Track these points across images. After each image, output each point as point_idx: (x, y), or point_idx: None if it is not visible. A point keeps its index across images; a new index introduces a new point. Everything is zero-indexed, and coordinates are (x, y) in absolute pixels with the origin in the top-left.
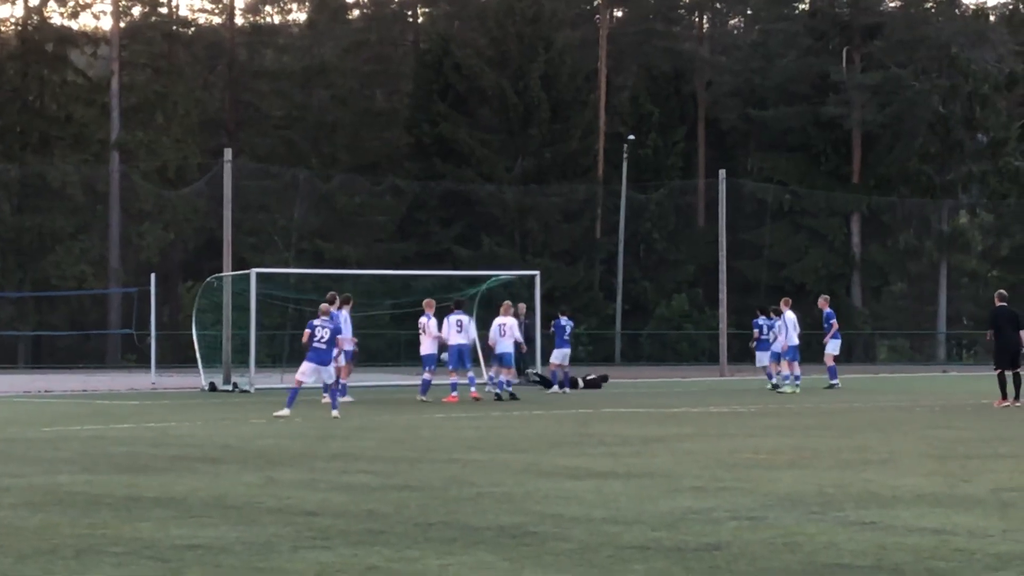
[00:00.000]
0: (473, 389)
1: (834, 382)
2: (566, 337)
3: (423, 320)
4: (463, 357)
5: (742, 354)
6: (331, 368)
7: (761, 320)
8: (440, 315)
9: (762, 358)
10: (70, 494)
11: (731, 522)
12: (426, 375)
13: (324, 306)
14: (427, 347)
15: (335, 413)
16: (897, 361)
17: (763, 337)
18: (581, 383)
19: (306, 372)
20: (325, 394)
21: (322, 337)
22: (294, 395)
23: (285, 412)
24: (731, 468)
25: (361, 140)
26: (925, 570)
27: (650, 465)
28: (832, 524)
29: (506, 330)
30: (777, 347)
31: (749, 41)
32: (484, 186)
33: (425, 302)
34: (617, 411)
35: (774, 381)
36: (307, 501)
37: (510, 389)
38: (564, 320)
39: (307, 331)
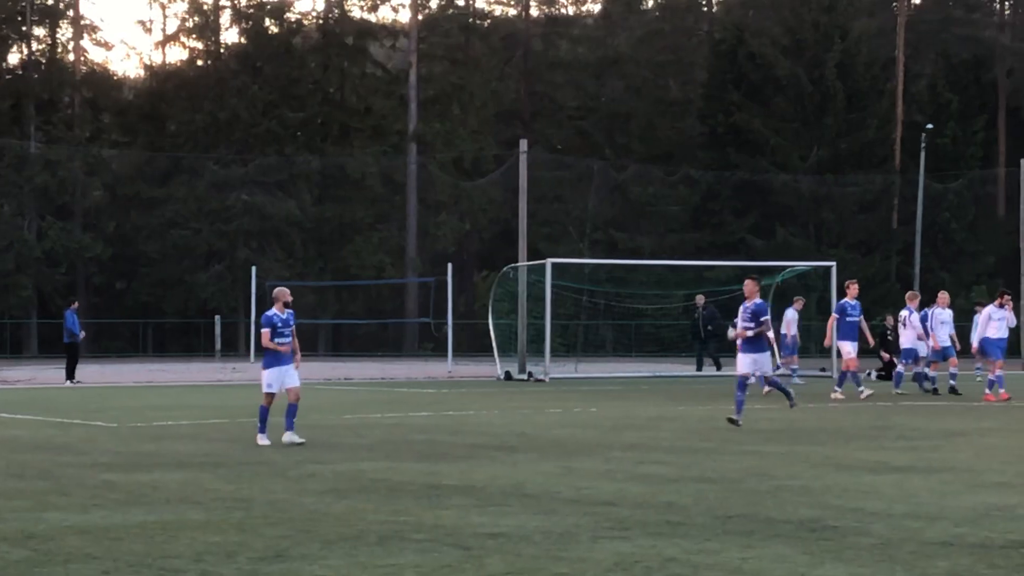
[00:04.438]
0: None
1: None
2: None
3: (904, 313)
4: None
5: None
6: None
7: None
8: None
9: None
10: (373, 481)
11: None
12: (900, 367)
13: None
14: (907, 340)
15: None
16: None
17: None
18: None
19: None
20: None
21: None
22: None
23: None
24: None
25: (655, 130)
26: None
27: (951, 460)
28: None
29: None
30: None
31: None
32: (779, 176)
33: (908, 294)
34: (915, 404)
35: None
36: (604, 491)
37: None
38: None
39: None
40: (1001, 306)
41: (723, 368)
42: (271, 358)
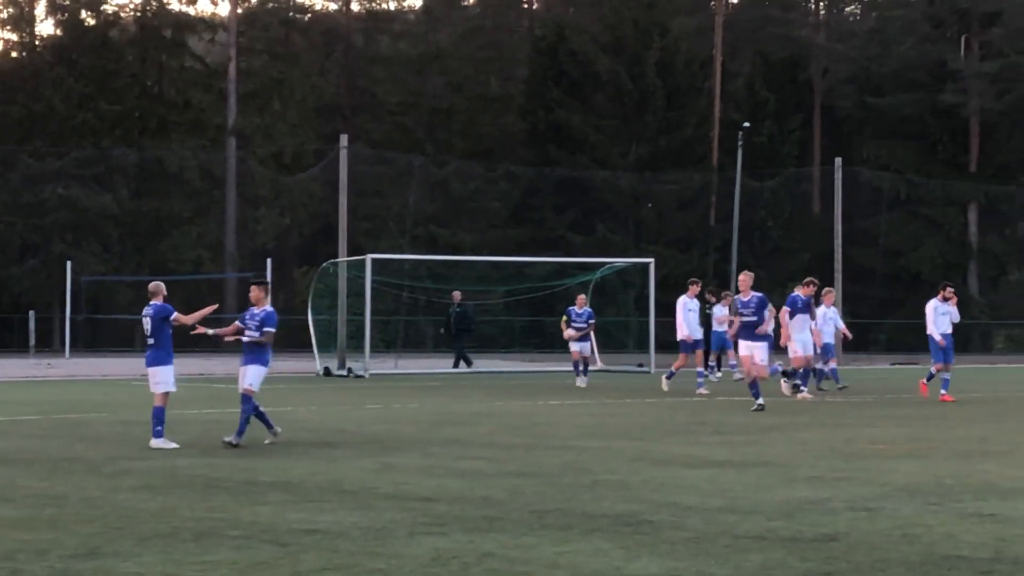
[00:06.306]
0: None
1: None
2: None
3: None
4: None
5: (859, 343)
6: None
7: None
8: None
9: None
10: (189, 477)
11: (848, 512)
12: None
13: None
14: (825, 336)
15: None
16: (1015, 351)
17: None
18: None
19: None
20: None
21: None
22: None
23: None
24: (848, 458)
25: (476, 126)
26: None
27: (766, 454)
28: (950, 515)
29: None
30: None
31: (866, 28)
32: (598, 173)
33: (824, 292)
34: (731, 399)
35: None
36: (423, 487)
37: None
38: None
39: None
40: (945, 299)
41: (472, 365)
42: (171, 355)
